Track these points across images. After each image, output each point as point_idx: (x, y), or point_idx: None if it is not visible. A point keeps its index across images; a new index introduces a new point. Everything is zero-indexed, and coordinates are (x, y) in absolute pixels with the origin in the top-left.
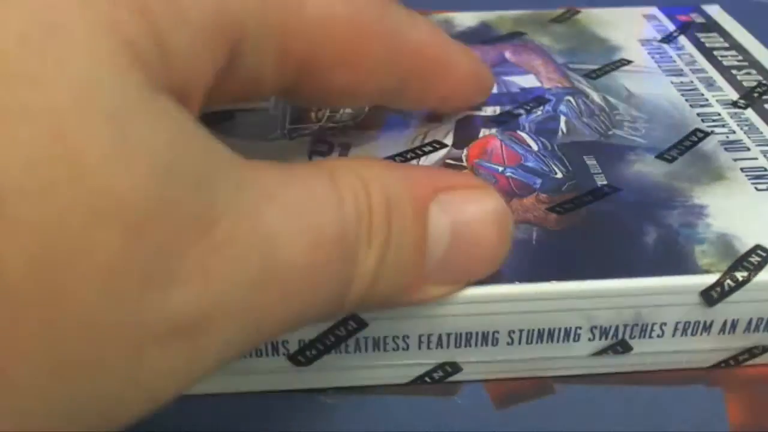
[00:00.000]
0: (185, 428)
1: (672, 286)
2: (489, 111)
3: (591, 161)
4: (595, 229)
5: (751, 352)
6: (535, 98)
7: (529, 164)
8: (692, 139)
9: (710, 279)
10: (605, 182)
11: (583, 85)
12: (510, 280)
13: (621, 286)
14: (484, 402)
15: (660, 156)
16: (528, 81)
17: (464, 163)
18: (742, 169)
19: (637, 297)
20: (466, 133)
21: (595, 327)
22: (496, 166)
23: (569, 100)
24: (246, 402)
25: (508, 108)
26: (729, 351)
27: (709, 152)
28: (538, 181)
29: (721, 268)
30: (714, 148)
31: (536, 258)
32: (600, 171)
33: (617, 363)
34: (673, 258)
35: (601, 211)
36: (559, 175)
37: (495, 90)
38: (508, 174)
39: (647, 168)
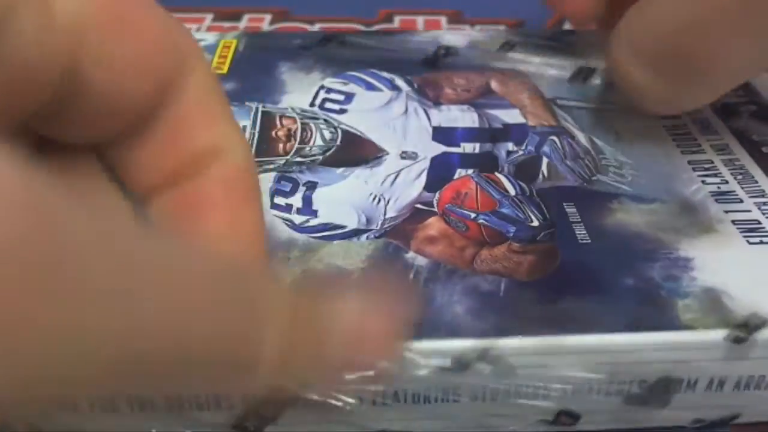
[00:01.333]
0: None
1: (650, 343)
2: (468, 148)
3: (571, 209)
4: (568, 282)
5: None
6: (517, 137)
7: (504, 211)
8: (680, 190)
9: (693, 336)
10: (584, 231)
11: (570, 124)
12: (474, 335)
13: (595, 342)
14: None
15: (644, 206)
16: (512, 116)
17: (435, 209)
18: (733, 222)
19: (611, 353)
20: (440, 172)
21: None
22: (468, 212)
23: (554, 141)
24: None
25: (487, 146)
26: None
27: (697, 203)
28: (512, 229)
29: (705, 325)
30: (704, 198)
31: (504, 311)
32: (579, 219)
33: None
34: (652, 313)
35: (577, 262)
36: (535, 223)
37: (477, 124)
38: (480, 221)
39: (630, 218)
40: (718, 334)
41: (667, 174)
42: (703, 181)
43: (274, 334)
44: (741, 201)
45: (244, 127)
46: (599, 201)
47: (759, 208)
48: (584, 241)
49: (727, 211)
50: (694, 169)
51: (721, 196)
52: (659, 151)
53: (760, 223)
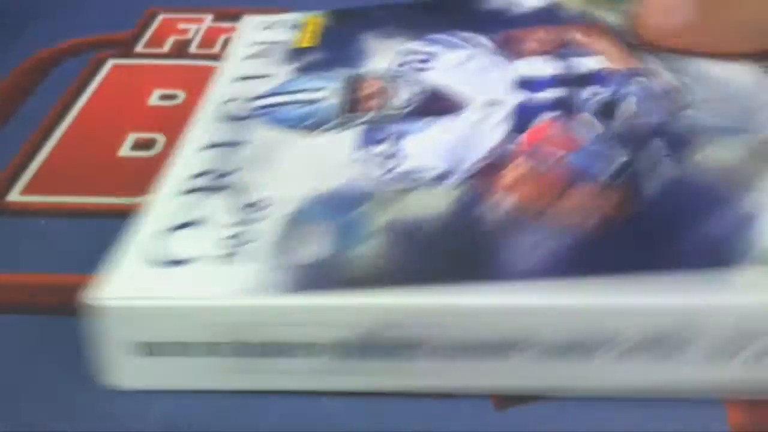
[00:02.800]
0: (183, 428)
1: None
2: (551, 94)
3: (657, 143)
4: (647, 222)
5: None
6: (601, 80)
7: (590, 150)
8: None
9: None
10: (666, 167)
11: (657, 65)
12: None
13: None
14: (484, 403)
15: (730, 138)
16: (596, 63)
17: (519, 151)
18: None
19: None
20: (525, 118)
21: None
22: (554, 152)
23: (639, 81)
24: (246, 401)
25: (572, 91)
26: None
27: None
28: (596, 169)
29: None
30: None
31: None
32: (664, 153)
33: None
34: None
35: (656, 203)
36: (620, 161)
37: (560, 72)
38: (566, 161)
39: (716, 153)
40: None
41: (751, 107)
42: None
43: None
44: None
45: (333, 89)
46: (687, 134)
47: None
48: (670, 178)
49: None
50: None
51: None
52: (752, 86)
53: None
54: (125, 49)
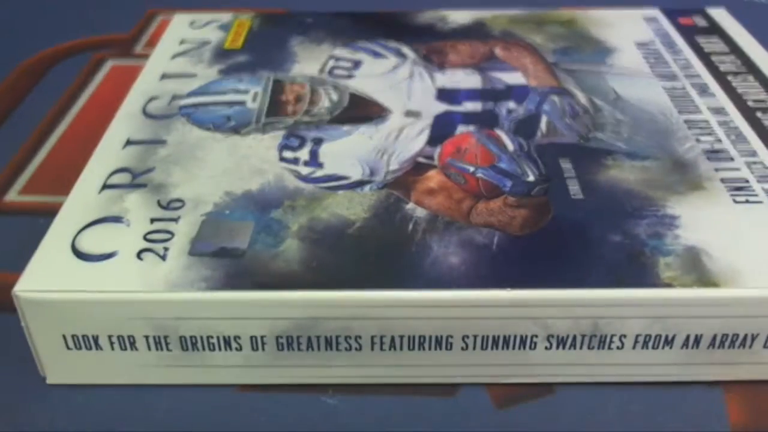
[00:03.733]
0: (183, 427)
1: (630, 298)
2: (470, 107)
3: (566, 164)
4: (559, 237)
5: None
6: (518, 96)
7: (502, 165)
8: (674, 148)
9: (672, 294)
10: (577, 187)
11: (571, 85)
12: (466, 285)
13: (577, 296)
14: (484, 402)
15: (638, 162)
16: (515, 78)
17: (435, 162)
18: (722, 180)
19: (593, 308)
20: (442, 129)
21: (552, 336)
22: (467, 166)
23: (554, 100)
24: (246, 401)
25: (489, 105)
26: (693, 366)
27: (689, 161)
28: (509, 183)
29: (684, 282)
30: (695, 156)
31: (495, 264)
32: (574, 175)
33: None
34: (635, 269)
35: (567, 218)
36: (531, 178)
37: (480, 85)
38: (478, 175)
39: (623, 174)
40: (695, 293)
41: (662, 131)
42: (697, 140)
43: None
44: (732, 159)
45: (255, 93)
46: (595, 157)
47: (749, 167)
48: (576, 197)
49: (717, 169)
50: (689, 128)
51: (713, 155)
52: (657, 110)
53: (747, 181)
54: (124, 49)
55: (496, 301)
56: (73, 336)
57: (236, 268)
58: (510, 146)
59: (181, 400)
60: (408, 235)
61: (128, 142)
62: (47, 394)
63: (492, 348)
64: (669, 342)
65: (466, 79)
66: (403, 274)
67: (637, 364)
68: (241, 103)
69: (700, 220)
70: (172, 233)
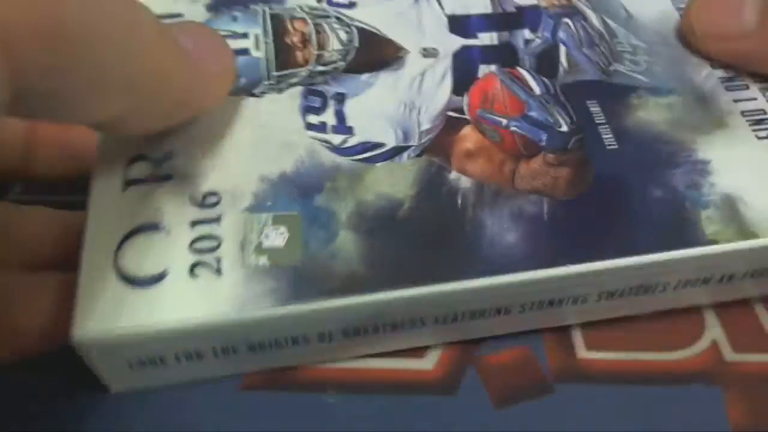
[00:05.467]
0: (185, 427)
1: (680, 258)
2: (486, 39)
3: (594, 107)
4: (605, 197)
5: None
6: (531, 21)
7: (533, 114)
8: (692, 77)
9: (716, 249)
10: (610, 135)
11: (581, 3)
12: (528, 264)
13: (631, 263)
14: (484, 402)
15: (662, 99)
16: None
17: (466, 115)
18: (742, 113)
19: (645, 269)
20: (464, 71)
21: (603, 293)
22: (499, 119)
23: (567, 24)
24: (246, 400)
25: (505, 36)
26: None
27: (709, 92)
28: (544, 136)
29: (725, 238)
30: (714, 87)
31: (550, 237)
32: (604, 120)
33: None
34: (680, 228)
35: (608, 174)
36: (564, 128)
37: (490, 9)
38: (512, 128)
39: (649, 115)
40: (738, 246)
41: (678, 58)
42: (711, 65)
43: None
44: (747, 87)
45: (256, 36)
46: (620, 96)
47: (764, 95)
48: (611, 146)
49: (736, 101)
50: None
51: (729, 83)
52: (669, 31)
53: (765, 113)
54: None
55: (556, 277)
56: (138, 360)
57: (299, 275)
58: (536, 89)
59: (182, 399)
60: (459, 211)
61: None
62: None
63: (547, 307)
64: (707, 281)
65: (475, 2)
66: (464, 260)
67: (675, 299)
68: (244, 51)
69: (730, 163)
70: (218, 239)
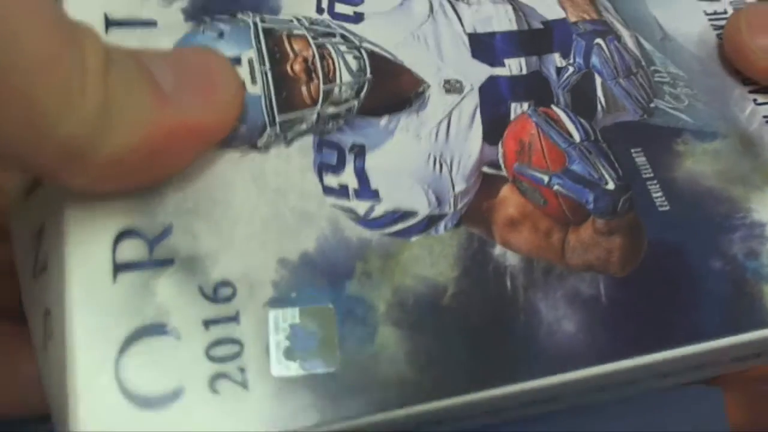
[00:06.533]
0: None
1: (743, 342)
2: (514, 67)
3: (639, 157)
4: (663, 272)
5: None
6: (561, 40)
7: (576, 168)
8: (736, 115)
9: None
10: (660, 193)
11: (611, 17)
12: (592, 358)
13: (700, 350)
14: None
15: (708, 145)
16: (549, 7)
17: (503, 171)
18: None
19: (711, 354)
20: (494, 111)
21: (658, 374)
22: (540, 176)
23: (600, 47)
24: None
25: (534, 62)
26: None
27: (755, 134)
28: (591, 197)
29: None
30: (760, 127)
31: (611, 325)
32: (651, 174)
33: None
34: (746, 306)
35: (663, 242)
36: (611, 185)
37: (515, 25)
38: (555, 188)
39: (698, 165)
40: None
41: (719, 90)
42: (755, 100)
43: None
44: None
45: (250, 61)
46: (664, 142)
47: None
48: (663, 208)
49: None
50: (743, 83)
51: None
52: (707, 55)
53: None
54: None
55: (615, 372)
56: None
57: (339, 384)
58: (576, 135)
59: None
60: (509, 296)
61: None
62: None
63: (599, 392)
64: (757, 356)
65: (496, 14)
66: (522, 357)
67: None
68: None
69: None
70: (239, 342)
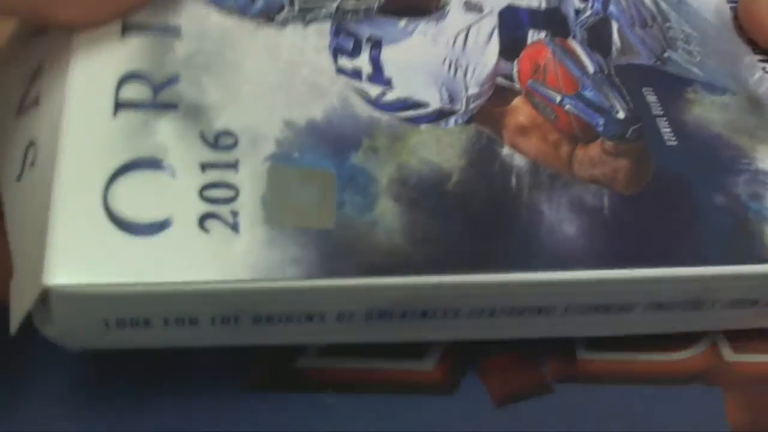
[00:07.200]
0: (183, 427)
1: (742, 274)
2: (533, 1)
3: (650, 95)
4: (666, 197)
5: None
6: None
7: (588, 94)
8: (745, 78)
9: None
10: (669, 129)
11: None
12: (591, 262)
13: (690, 273)
14: (484, 401)
15: (717, 98)
16: None
17: (516, 84)
18: None
19: (703, 281)
20: (512, 34)
21: (653, 303)
22: (553, 94)
23: None
24: (245, 401)
25: (553, 0)
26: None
27: (763, 98)
28: (601, 121)
29: None
30: (767, 91)
31: (610, 234)
32: (662, 112)
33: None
34: (744, 242)
35: (669, 173)
36: (621, 114)
37: None
38: (567, 107)
39: (707, 113)
40: None
41: (731, 54)
42: (764, 69)
43: None
44: None
45: None
46: (676, 88)
47: None
48: (671, 143)
49: None
50: (754, 52)
51: None
52: (721, 21)
53: None
54: None
55: (613, 280)
56: (118, 320)
57: (332, 244)
58: (590, 67)
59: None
60: (514, 193)
61: (127, 28)
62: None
63: (591, 313)
64: (754, 303)
65: None
66: (519, 247)
67: (721, 319)
68: None
69: None
70: (235, 188)
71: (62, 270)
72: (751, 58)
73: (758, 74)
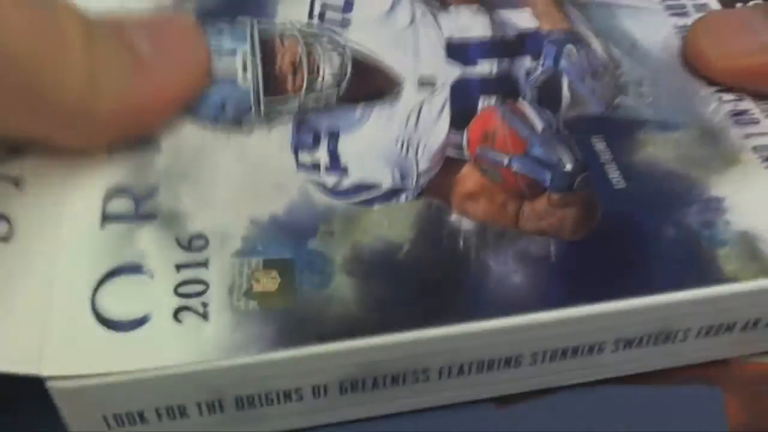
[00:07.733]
0: None
1: (700, 298)
2: (485, 68)
3: (600, 143)
4: (614, 237)
5: None
6: (533, 47)
7: (536, 152)
8: (700, 111)
9: (738, 287)
10: (617, 173)
11: (583, 26)
12: (536, 306)
13: (648, 303)
14: (484, 401)
15: (669, 134)
16: (523, 18)
17: (465, 153)
18: (754, 149)
19: (663, 311)
20: (463, 104)
21: (620, 340)
22: (501, 157)
23: (570, 51)
24: None
25: (505, 65)
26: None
27: (718, 127)
28: (548, 176)
29: (746, 276)
30: (723, 121)
31: (559, 278)
32: (611, 157)
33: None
34: (698, 266)
35: (617, 214)
36: (569, 167)
37: (489, 32)
38: (514, 168)
39: (659, 151)
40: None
41: (684, 89)
42: (719, 98)
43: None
44: (758, 122)
45: (244, 53)
46: (626, 132)
47: None
48: (619, 186)
49: (747, 135)
50: (708, 83)
51: (739, 117)
52: (674, 58)
53: None
54: None
55: (570, 319)
56: (115, 414)
57: (291, 320)
58: (538, 125)
59: None
60: (461, 254)
61: (113, 147)
62: None
63: (561, 358)
64: (730, 328)
65: (474, 24)
66: (469, 301)
67: (698, 350)
68: (232, 77)
69: (744, 201)
70: (206, 283)
71: (57, 364)
72: (705, 91)
73: (714, 105)
